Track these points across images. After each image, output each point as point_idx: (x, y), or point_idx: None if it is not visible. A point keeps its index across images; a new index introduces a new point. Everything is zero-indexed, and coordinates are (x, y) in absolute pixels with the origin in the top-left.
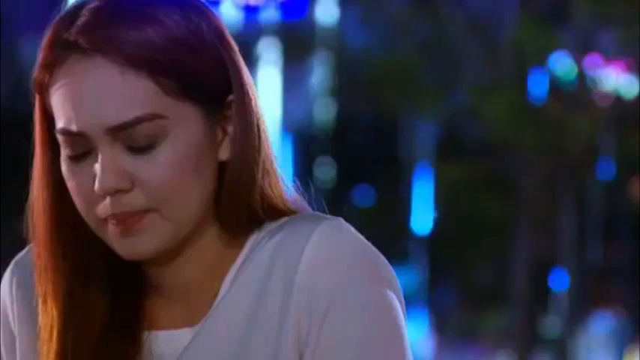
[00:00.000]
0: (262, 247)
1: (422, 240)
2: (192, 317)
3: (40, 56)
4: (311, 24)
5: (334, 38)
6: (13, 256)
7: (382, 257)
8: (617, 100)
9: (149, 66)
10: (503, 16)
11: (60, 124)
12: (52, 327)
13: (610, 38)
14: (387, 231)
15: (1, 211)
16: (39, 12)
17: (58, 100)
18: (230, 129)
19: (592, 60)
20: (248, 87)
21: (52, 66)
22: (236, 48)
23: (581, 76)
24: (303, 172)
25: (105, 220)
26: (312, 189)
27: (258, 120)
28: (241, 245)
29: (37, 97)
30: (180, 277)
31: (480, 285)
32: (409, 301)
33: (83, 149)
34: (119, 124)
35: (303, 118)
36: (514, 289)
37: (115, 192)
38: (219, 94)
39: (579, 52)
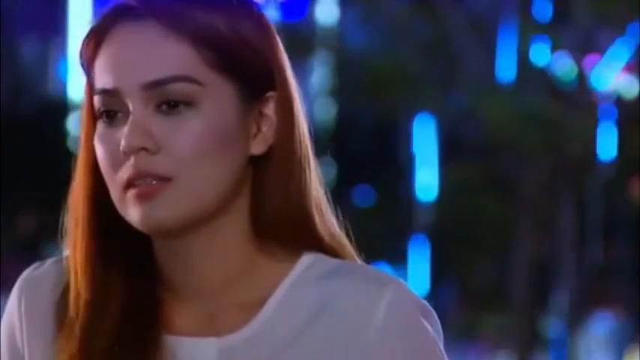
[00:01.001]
0: (313, 283)
1: (422, 240)
2: (216, 326)
3: (92, 25)
4: (311, 24)
5: (334, 38)
6: (13, 256)
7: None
8: (617, 100)
9: (192, 35)
10: (504, 16)
11: (99, 84)
12: (77, 295)
13: (610, 38)
14: (387, 231)
15: (1, 211)
16: (39, 12)
17: (101, 63)
18: (265, 127)
19: (592, 60)
20: (292, 91)
21: (103, 30)
22: (285, 55)
23: (581, 76)
24: None
25: (126, 190)
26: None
27: (299, 127)
28: (285, 260)
29: (84, 73)
30: (196, 274)
31: (480, 285)
32: None
33: (116, 110)
34: (153, 80)
35: None
36: (514, 289)
37: (139, 150)
38: (258, 84)
39: (579, 52)
